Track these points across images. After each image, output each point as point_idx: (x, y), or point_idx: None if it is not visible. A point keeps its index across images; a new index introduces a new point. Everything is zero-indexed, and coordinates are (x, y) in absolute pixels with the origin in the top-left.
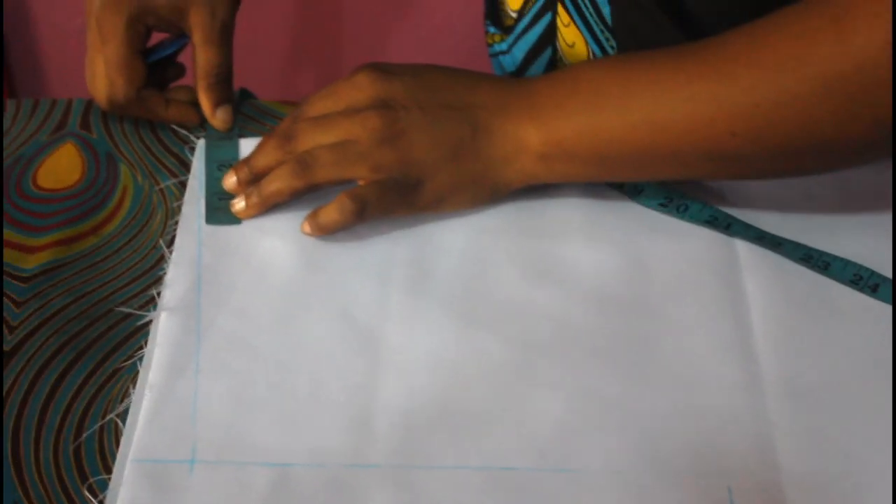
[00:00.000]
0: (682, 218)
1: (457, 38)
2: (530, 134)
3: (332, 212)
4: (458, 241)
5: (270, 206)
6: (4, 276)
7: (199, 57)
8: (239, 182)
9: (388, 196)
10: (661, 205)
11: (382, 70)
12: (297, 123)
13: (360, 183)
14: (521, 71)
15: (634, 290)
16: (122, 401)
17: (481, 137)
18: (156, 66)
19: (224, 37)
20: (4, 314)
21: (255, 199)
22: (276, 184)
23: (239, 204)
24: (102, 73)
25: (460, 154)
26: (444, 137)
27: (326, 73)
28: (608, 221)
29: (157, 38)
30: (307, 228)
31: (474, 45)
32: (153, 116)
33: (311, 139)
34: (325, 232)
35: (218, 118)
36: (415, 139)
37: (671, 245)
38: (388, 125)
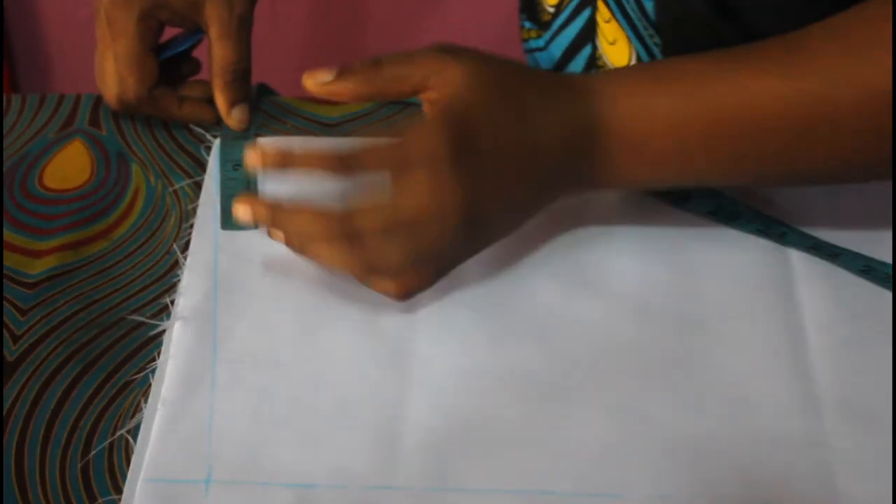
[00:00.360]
0: (732, 226)
1: (488, 32)
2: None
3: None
4: (493, 249)
5: None
6: (9, 282)
7: (216, 53)
8: (255, 218)
9: (433, 281)
10: (710, 213)
11: (451, 173)
12: (361, 222)
13: None
14: (557, 69)
15: (681, 303)
16: (133, 416)
17: (545, 196)
18: (169, 63)
19: (242, 31)
20: (8, 322)
21: (294, 244)
22: (325, 259)
23: (277, 235)
24: (112, 71)
25: (522, 216)
26: (515, 208)
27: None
28: (653, 229)
29: (169, 32)
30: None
31: (507, 40)
32: (166, 116)
33: (383, 251)
34: None
35: (234, 118)
36: (490, 219)
37: (720, 255)
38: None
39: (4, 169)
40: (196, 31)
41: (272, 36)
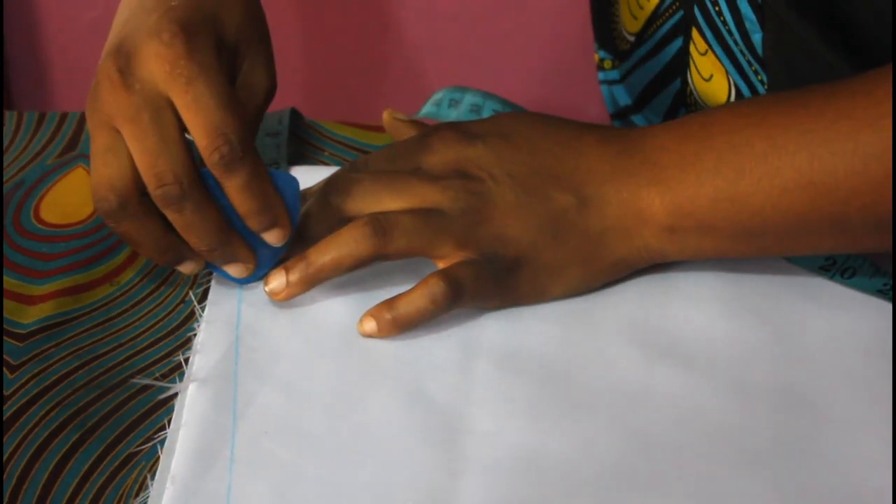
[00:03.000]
0: (847, 285)
1: (561, 51)
2: (653, 202)
3: (417, 298)
4: (560, 306)
5: (319, 283)
6: None
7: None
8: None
9: (483, 279)
10: (822, 268)
11: (462, 131)
12: (352, 176)
13: (439, 265)
14: (638, 105)
15: (785, 375)
16: (137, 494)
17: (590, 209)
18: None
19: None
20: None
21: (298, 273)
22: (335, 252)
23: (276, 281)
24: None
25: (563, 230)
26: (542, 211)
27: (399, 91)
28: (752, 287)
29: None
30: (371, 328)
31: (585, 61)
32: (145, 242)
33: (374, 199)
34: (403, 328)
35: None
36: (506, 214)
37: (833, 319)
38: (472, 196)
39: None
40: None
41: (310, 56)
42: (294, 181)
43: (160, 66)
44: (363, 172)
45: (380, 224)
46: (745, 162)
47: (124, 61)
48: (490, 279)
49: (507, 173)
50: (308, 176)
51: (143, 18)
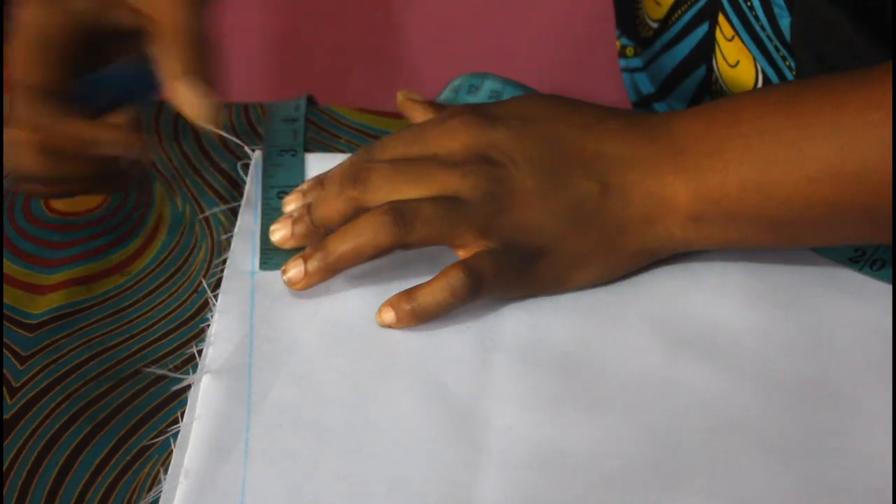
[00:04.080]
0: (877, 277)
1: (581, 38)
2: (677, 190)
3: (437, 290)
4: (580, 297)
5: (338, 272)
6: (6, 323)
7: (165, 19)
8: (295, 236)
9: (504, 270)
10: (851, 259)
11: (482, 115)
12: (369, 164)
13: (460, 254)
14: (661, 93)
15: (812, 369)
16: (150, 489)
17: (613, 197)
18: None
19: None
20: (5, 371)
21: (317, 262)
22: (354, 241)
23: (294, 270)
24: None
25: (585, 219)
26: (565, 199)
27: (416, 78)
28: (778, 278)
29: None
30: (389, 318)
31: (605, 48)
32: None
33: (392, 187)
34: (422, 319)
35: (195, 106)
36: (528, 201)
37: (862, 312)
38: (493, 183)
39: (5, 186)
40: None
41: (322, 43)
42: (124, 70)
43: None
44: (381, 160)
45: (400, 212)
46: (773, 150)
47: None
48: (511, 269)
49: (528, 158)
50: (324, 163)
51: None
